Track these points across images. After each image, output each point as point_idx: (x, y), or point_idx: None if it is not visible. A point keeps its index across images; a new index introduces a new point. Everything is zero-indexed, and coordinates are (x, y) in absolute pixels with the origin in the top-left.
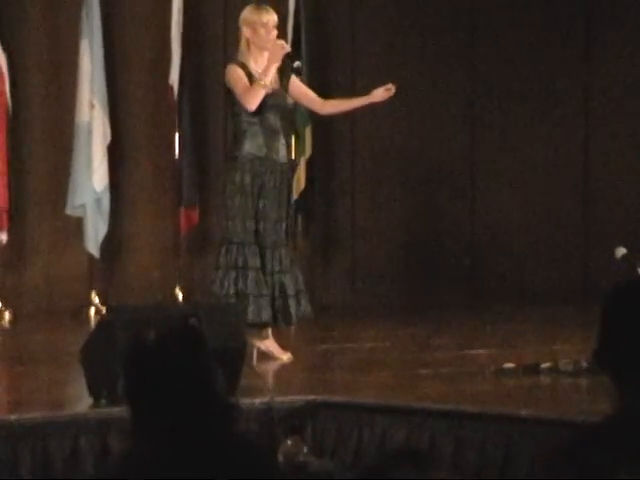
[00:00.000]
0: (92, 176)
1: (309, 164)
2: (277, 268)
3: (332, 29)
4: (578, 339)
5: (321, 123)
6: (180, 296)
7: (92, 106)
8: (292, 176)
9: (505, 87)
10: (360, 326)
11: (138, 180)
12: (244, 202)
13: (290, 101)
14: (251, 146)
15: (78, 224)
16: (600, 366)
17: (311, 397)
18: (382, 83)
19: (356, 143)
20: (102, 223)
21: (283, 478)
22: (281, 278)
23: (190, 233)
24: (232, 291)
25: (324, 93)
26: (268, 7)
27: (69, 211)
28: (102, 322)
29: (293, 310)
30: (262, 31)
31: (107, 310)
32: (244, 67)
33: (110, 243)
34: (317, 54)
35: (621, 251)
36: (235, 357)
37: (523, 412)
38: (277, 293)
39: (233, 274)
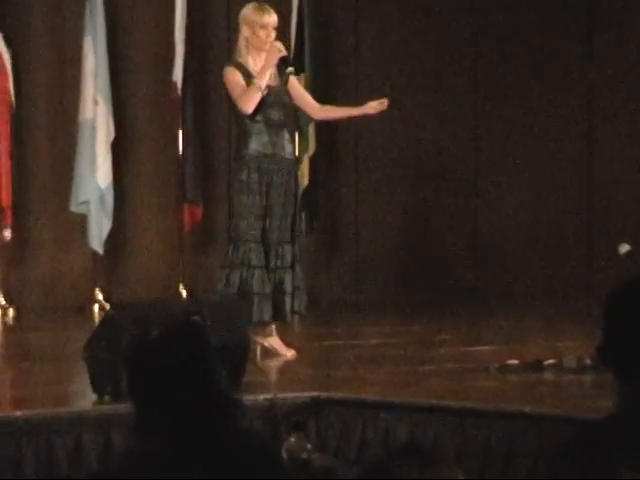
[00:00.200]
0: (96, 173)
1: (312, 161)
2: (279, 264)
3: (335, 34)
4: (582, 336)
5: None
6: (184, 293)
7: (96, 103)
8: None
9: (508, 87)
10: (363, 323)
11: (142, 177)
12: (252, 200)
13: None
14: (257, 144)
15: (82, 221)
16: (603, 363)
17: (315, 393)
18: (385, 84)
19: (360, 140)
20: (106, 220)
21: (287, 473)
22: (280, 274)
23: (194, 230)
24: (238, 289)
25: (327, 97)
26: (269, 7)
27: (73, 208)
28: (106, 319)
29: (287, 308)
30: (262, 33)
31: (111, 307)
32: (241, 67)
33: (114, 240)
34: (320, 59)
35: (625, 247)
36: (239, 354)
37: (526, 409)
38: (274, 289)
39: (239, 273)
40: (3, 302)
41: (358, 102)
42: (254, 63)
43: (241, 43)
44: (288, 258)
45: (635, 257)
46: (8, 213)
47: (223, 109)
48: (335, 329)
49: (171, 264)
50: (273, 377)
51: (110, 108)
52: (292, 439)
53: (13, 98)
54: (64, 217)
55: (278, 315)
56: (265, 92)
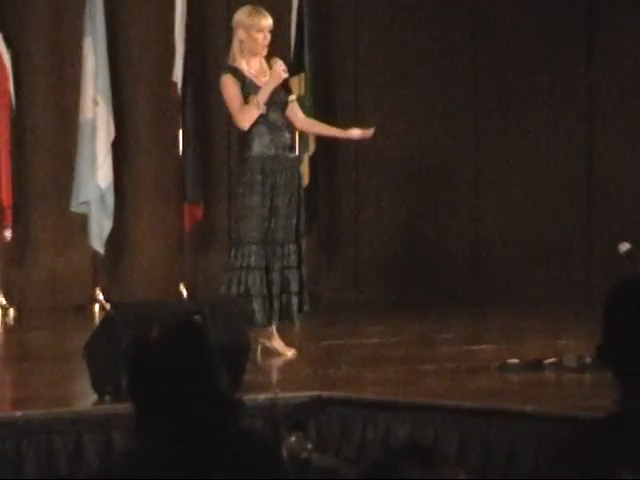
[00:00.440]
0: (96, 173)
1: (312, 160)
2: (285, 264)
3: (335, 33)
4: (582, 335)
5: (324, 120)
6: (184, 292)
7: (96, 103)
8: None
9: (508, 87)
10: (364, 322)
11: (142, 177)
12: (255, 202)
13: (291, 97)
14: (260, 145)
15: (82, 221)
16: (603, 363)
17: (315, 393)
18: (384, 84)
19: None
20: (107, 220)
21: (287, 473)
22: (286, 274)
23: (194, 230)
24: (239, 291)
25: (326, 96)
26: (264, 10)
27: (73, 208)
28: (106, 319)
29: (295, 308)
30: (259, 36)
31: (111, 307)
32: (237, 72)
33: (114, 240)
34: (320, 59)
35: (625, 246)
36: (239, 353)
37: (527, 408)
38: (280, 289)
39: (241, 275)
40: (4, 302)
41: (357, 102)
42: (248, 67)
43: (235, 47)
44: (294, 258)
45: (635, 256)
46: (8, 213)
47: (223, 109)
48: (335, 329)
49: (171, 264)
50: (273, 377)
51: (110, 108)
52: (292, 439)
53: (13, 98)
54: (64, 217)
55: (286, 315)
56: (264, 109)
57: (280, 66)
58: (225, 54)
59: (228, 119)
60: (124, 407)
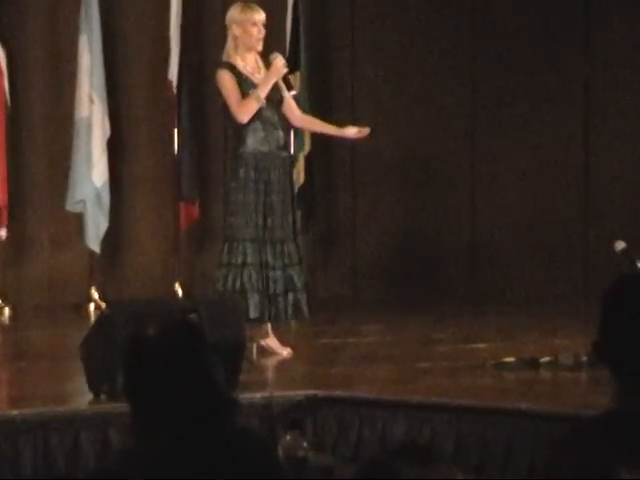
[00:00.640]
0: (92, 171)
1: (308, 159)
2: (287, 262)
3: (331, 31)
4: (578, 333)
5: (320, 119)
6: (180, 291)
7: (91, 101)
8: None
9: (506, 87)
10: (360, 320)
11: (138, 175)
12: (249, 198)
13: (285, 94)
14: (254, 142)
15: (78, 220)
16: (600, 360)
17: (311, 392)
18: (381, 83)
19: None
20: (103, 218)
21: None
22: (289, 272)
23: (190, 228)
24: (234, 288)
25: (322, 94)
26: (256, 5)
27: (69, 207)
28: (102, 317)
29: (305, 305)
30: (253, 30)
31: (107, 305)
32: (233, 68)
33: (109, 238)
34: (316, 57)
35: (621, 245)
36: (235, 352)
37: (523, 406)
38: (285, 288)
39: (235, 271)
40: None
41: (353, 100)
42: (244, 63)
43: (230, 43)
44: (295, 255)
45: (631, 254)
46: (4, 212)
47: (219, 107)
48: (331, 327)
49: (167, 262)
50: (269, 375)
51: (106, 106)
52: (289, 437)
53: (8, 97)
54: (60, 216)
55: (296, 313)
56: (263, 103)
57: (280, 61)
58: (221, 52)
59: (224, 117)
60: (120, 406)
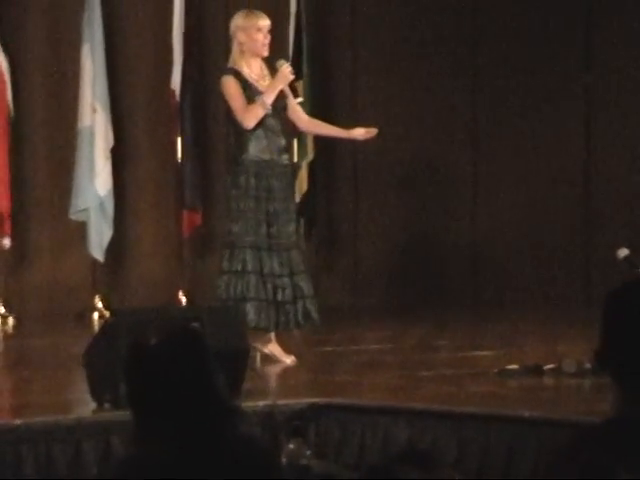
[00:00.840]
0: (95, 180)
1: (311, 167)
2: (294, 270)
3: (333, 39)
4: (581, 340)
5: None
6: (183, 299)
7: (94, 110)
8: (294, 178)
9: (507, 89)
10: (362, 328)
11: (141, 183)
12: (250, 205)
13: (291, 100)
14: (256, 149)
15: (81, 228)
16: (602, 367)
17: (314, 399)
18: (383, 89)
19: (358, 146)
20: (106, 227)
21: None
22: (296, 280)
23: (193, 236)
24: (236, 295)
25: (324, 102)
26: (261, 12)
27: (72, 215)
28: (105, 326)
29: (315, 310)
30: (259, 36)
31: (110, 314)
32: (238, 75)
33: (112, 246)
34: (318, 65)
35: (623, 252)
36: (238, 360)
37: (526, 413)
38: (293, 295)
39: (236, 278)
40: (3, 310)
41: (355, 105)
42: (249, 70)
43: (235, 50)
44: (300, 263)
45: (633, 261)
46: (7, 221)
47: (221, 116)
48: (334, 335)
49: (170, 270)
50: (272, 383)
51: (109, 115)
52: (291, 445)
53: (11, 106)
54: (63, 225)
55: (307, 319)
56: (269, 110)
57: (287, 67)
58: (223, 61)
59: (227, 123)
60: (123, 414)
